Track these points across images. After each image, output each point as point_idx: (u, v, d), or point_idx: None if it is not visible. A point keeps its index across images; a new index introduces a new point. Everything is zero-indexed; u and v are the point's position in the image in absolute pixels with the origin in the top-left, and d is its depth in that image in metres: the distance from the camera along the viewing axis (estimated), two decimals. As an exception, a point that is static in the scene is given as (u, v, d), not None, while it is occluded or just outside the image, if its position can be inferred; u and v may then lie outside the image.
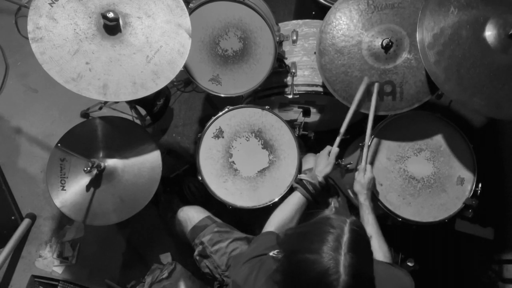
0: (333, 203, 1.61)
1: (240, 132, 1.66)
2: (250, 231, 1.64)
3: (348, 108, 1.52)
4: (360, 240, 0.88)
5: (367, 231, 1.31)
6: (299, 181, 1.44)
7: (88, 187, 1.56)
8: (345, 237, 0.84)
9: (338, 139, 1.50)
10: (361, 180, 1.42)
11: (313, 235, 0.88)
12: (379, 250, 1.29)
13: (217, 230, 1.54)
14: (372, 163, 1.59)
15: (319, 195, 1.43)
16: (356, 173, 1.45)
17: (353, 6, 1.50)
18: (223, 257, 1.48)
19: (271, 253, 1.09)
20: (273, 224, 1.31)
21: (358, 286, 0.83)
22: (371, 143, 1.60)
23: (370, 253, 0.92)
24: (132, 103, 1.91)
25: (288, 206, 1.38)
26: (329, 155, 1.47)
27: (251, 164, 1.63)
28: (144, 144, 1.63)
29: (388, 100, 1.50)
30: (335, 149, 1.47)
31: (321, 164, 1.46)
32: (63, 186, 1.57)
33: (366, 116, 1.72)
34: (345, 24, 1.51)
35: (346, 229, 0.86)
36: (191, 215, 1.62)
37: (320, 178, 1.43)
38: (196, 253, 1.55)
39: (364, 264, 0.87)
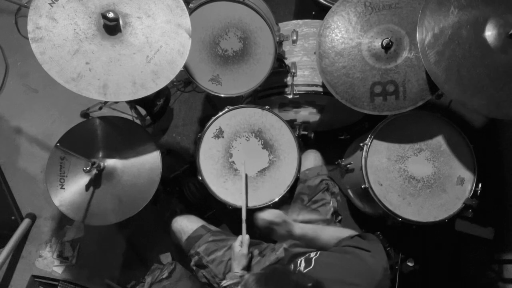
0: (332, 202, 1.60)
1: (240, 132, 1.66)
2: (250, 231, 1.64)
3: (350, 110, 1.52)
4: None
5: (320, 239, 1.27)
6: None
7: (87, 187, 1.56)
8: None
9: (244, 226, 1.41)
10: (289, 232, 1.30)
11: None
12: (337, 230, 1.27)
13: (212, 239, 1.52)
14: (366, 164, 1.58)
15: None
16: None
17: (351, 8, 1.51)
18: (219, 266, 1.46)
19: None
20: None
21: None
22: (370, 143, 1.60)
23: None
24: (132, 103, 1.91)
25: None
26: (241, 246, 1.38)
27: (251, 164, 1.63)
28: (144, 144, 1.63)
29: (391, 100, 1.50)
30: (245, 237, 1.39)
31: (235, 260, 1.37)
32: (62, 185, 1.58)
33: (366, 116, 1.72)
34: (343, 27, 1.51)
35: None
36: (185, 225, 1.58)
37: (240, 273, 1.34)
38: (192, 263, 1.53)
39: None
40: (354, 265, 1.04)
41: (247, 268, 1.38)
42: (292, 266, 1.15)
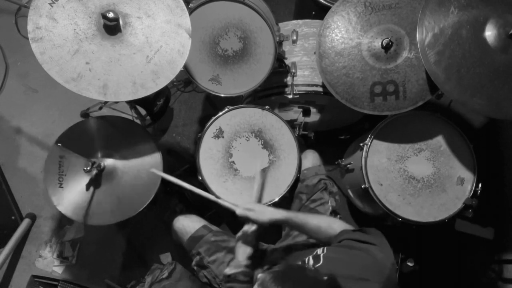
0: (330, 202, 1.60)
1: (240, 132, 1.66)
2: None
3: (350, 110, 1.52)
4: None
5: (311, 226, 1.25)
6: (229, 279, 1.29)
7: (87, 187, 1.56)
8: None
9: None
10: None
11: None
12: (329, 220, 1.26)
13: (214, 240, 1.52)
14: (366, 164, 1.58)
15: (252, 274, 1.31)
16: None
17: (351, 8, 1.51)
18: (221, 266, 1.45)
19: None
20: None
21: None
22: (370, 143, 1.60)
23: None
24: (132, 103, 1.91)
25: None
26: (248, 233, 1.35)
27: (251, 164, 1.63)
28: (144, 144, 1.63)
29: (391, 100, 1.50)
30: (252, 227, 1.34)
31: (241, 247, 1.34)
32: (61, 184, 1.57)
33: (366, 116, 1.72)
34: (343, 27, 1.51)
35: None
36: (186, 225, 1.57)
37: (244, 262, 1.31)
38: (193, 263, 1.52)
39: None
40: (363, 260, 1.03)
41: (252, 258, 1.35)
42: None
